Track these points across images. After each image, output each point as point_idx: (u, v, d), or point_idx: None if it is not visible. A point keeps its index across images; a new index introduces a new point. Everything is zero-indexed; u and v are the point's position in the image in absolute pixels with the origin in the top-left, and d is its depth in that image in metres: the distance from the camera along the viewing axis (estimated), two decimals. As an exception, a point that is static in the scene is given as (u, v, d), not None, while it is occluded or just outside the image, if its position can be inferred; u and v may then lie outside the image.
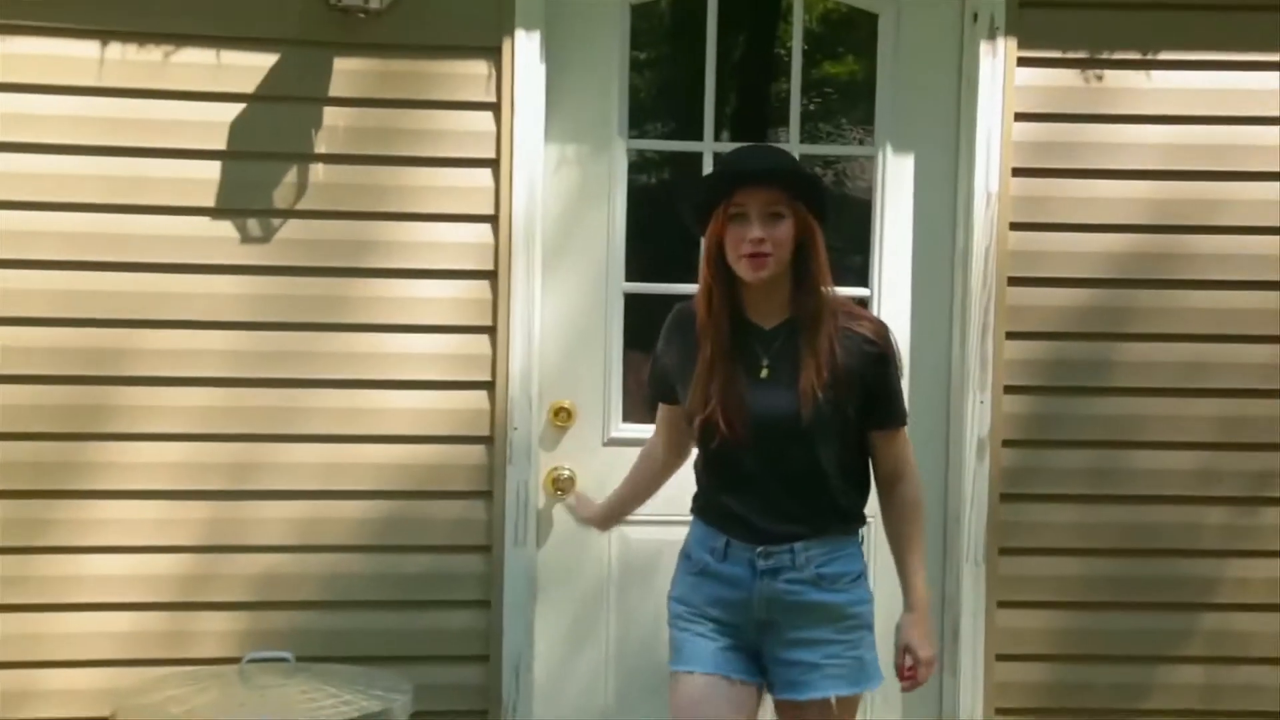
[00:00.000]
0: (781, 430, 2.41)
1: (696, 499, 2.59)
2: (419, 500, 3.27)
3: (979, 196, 3.33)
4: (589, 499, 2.93)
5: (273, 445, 3.24)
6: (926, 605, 2.53)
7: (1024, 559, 3.37)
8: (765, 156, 2.52)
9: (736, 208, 2.40)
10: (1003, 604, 3.37)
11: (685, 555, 2.58)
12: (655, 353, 2.63)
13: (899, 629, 2.52)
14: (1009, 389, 3.36)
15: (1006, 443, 3.36)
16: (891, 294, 3.45)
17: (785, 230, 2.40)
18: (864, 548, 2.56)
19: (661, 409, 2.68)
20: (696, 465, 2.58)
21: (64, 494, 3.18)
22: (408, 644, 3.26)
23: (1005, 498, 3.36)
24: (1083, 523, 3.38)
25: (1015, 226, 3.34)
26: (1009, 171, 3.33)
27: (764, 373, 2.44)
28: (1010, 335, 3.35)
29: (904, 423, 2.55)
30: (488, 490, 3.28)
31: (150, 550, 3.21)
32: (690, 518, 2.61)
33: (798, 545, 2.45)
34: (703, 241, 2.46)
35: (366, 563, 3.27)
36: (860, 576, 2.51)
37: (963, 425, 3.36)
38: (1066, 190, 3.36)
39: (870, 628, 2.51)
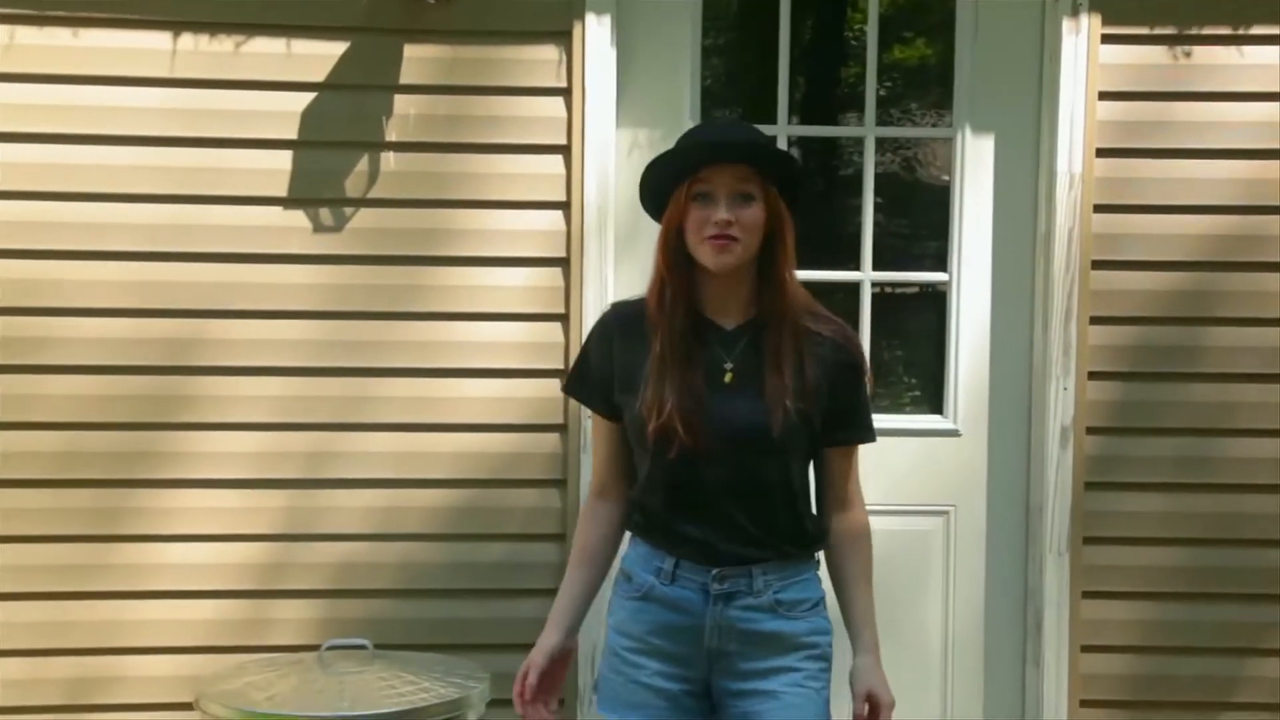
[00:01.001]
0: (750, 442, 2.14)
1: (636, 516, 2.26)
2: (493, 489, 3.26)
3: (1061, 178, 3.25)
4: (540, 652, 2.27)
5: (348, 434, 3.25)
6: (878, 641, 2.24)
7: (1109, 549, 3.30)
8: (736, 129, 2.24)
9: (701, 185, 2.11)
10: (1087, 594, 3.30)
11: (625, 577, 2.26)
12: (583, 357, 2.31)
13: (855, 675, 2.21)
14: (1093, 375, 3.28)
15: (1091, 430, 3.29)
16: (971, 279, 3.40)
17: (755, 214, 2.12)
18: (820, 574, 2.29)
19: (602, 428, 2.30)
20: (642, 480, 2.24)
21: (143, 483, 3.21)
22: (483, 632, 3.25)
23: (1090, 486, 3.29)
24: (1170, 512, 3.30)
25: (1099, 209, 3.26)
26: (1093, 152, 3.25)
27: (728, 377, 2.16)
28: (1094, 320, 3.28)
29: (871, 438, 2.27)
30: (561, 479, 3.26)
31: (228, 539, 3.23)
32: None
33: (755, 569, 2.18)
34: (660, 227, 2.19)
35: (442, 551, 3.26)
36: (819, 604, 2.24)
37: (1045, 413, 3.29)
38: (1153, 171, 3.28)
39: (829, 663, 2.23)
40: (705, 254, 2.13)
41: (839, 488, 2.27)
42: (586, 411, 3.15)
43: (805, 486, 2.24)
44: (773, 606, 2.18)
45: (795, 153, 3.59)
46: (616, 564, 2.34)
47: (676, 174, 2.14)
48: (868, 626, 2.23)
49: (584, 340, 2.31)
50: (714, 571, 2.18)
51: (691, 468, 2.14)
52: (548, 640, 2.28)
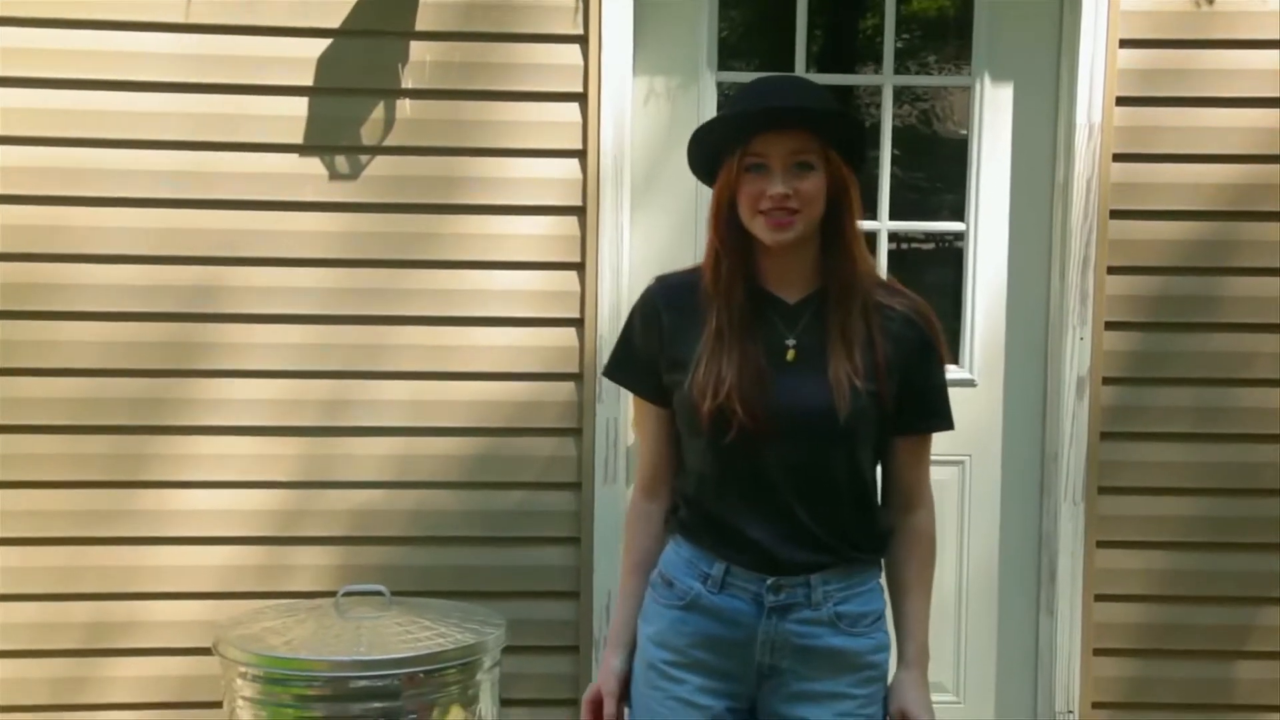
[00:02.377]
0: (815, 426, 1.95)
1: (682, 512, 2.07)
2: (510, 437, 3.26)
3: (1080, 127, 3.23)
4: (611, 677, 2.10)
5: (364, 382, 3.25)
6: (928, 656, 2.06)
7: (1124, 498, 3.30)
8: (791, 91, 1.98)
9: (755, 157, 1.94)
10: (1101, 544, 3.30)
11: (665, 582, 2.06)
12: (626, 337, 2.11)
13: (894, 689, 2.04)
14: (1110, 325, 3.27)
15: (1107, 380, 3.28)
16: (988, 228, 3.38)
17: (815, 184, 1.94)
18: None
19: (648, 417, 2.10)
20: (688, 470, 2.06)
21: (160, 429, 3.22)
22: (499, 579, 3.26)
23: (1105, 436, 3.28)
24: (1185, 461, 3.30)
25: (1118, 158, 3.24)
26: (1112, 101, 3.22)
27: (790, 354, 1.98)
28: (1112, 270, 3.26)
29: (948, 425, 2.07)
30: (577, 427, 3.26)
31: (246, 485, 3.24)
32: None
33: (814, 578, 1.99)
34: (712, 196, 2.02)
35: (458, 499, 3.27)
36: (880, 618, 2.05)
37: (1061, 362, 3.28)
38: (1173, 119, 3.25)
39: (886, 681, 2.06)
40: (761, 229, 1.96)
41: (907, 482, 2.07)
42: (601, 360, 3.16)
43: (874, 480, 2.05)
44: (833, 620, 2.00)
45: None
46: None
47: (726, 143, 1.97)
48: (916, 638, 2.05)
49: (627, 319, 2.13)
50: (769, 580, 1.99)
51: (749, 455, 1.96)
52: (615, 663, 2.09)
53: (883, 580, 2.08)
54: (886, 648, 2.06)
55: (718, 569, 2.01)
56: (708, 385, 1.95)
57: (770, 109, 1.95)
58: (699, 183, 3.25)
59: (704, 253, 2.04)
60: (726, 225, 1.99)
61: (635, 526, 2.14)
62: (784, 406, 1.95)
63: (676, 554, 2.07)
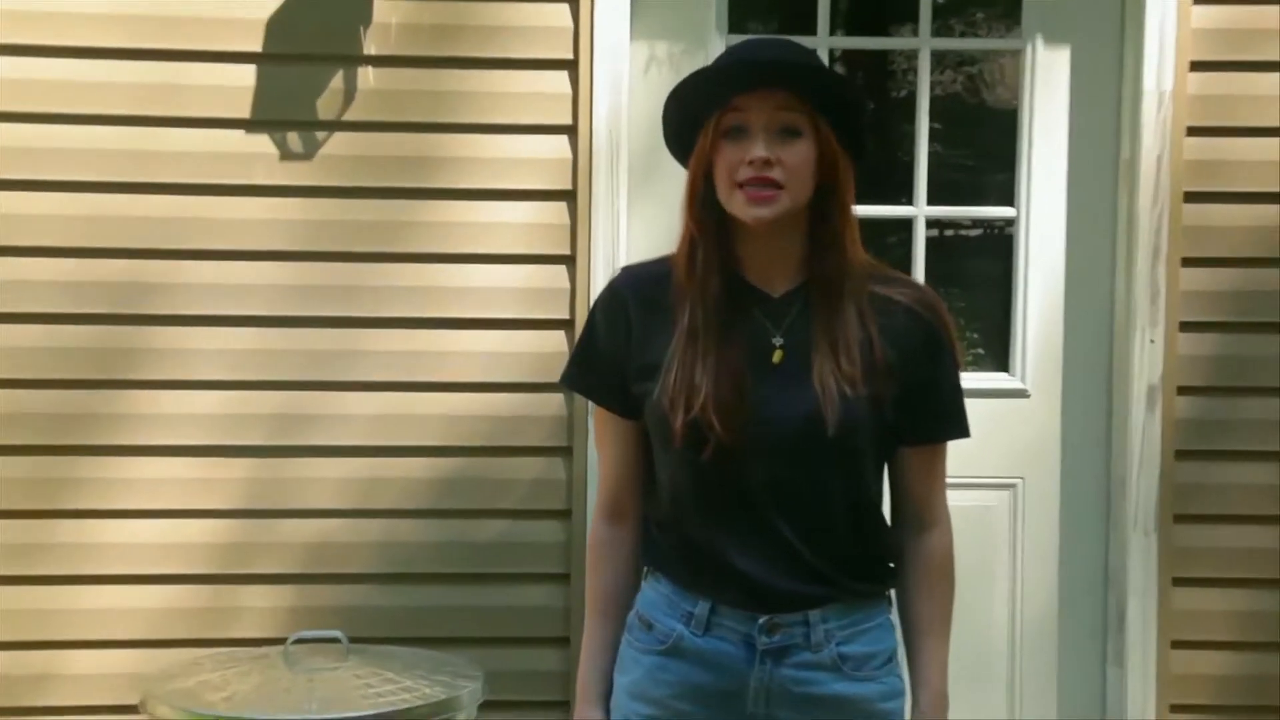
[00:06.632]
0: (802, 441, 1.82)
1: (658, 544, 1.95)
2: (490, 457, 3.10)
3: (1149, 96, 3.06)
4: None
5: (322, 394, 3.09)
6: (946, 706, 1.94)
7: (1204, 528, 3.12)
8: (776, 48, 1.91)
9: (735, 117, 1.80)
10: (1178, 581, 3.11)
11: (644, 624, 1.93)
12: (588, 337, 1.98)
13: None
14: (1185, 326, 3.10)
15: (1182, 390, 3.10)
16: (1042, 215, 3.21)
17: (802, 153, 1.80)
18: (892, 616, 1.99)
19: (612, 430, 1.96)
20: (661, 490, 1.93)
21: (85, 450, 3.06)
22: (477, 623, 3.12)
23: (1181, 455, 3.10)
24: (1275, 485, 3.10)
25: (1193, 131, 3.06)
26: (1186, 66, 3.05)
27: (777, 355, 1.85)
28: (1186, 262, 3.08)
29: (963, 432, 1.94)
30: (567, 446, 3.08)
31: (184, 515, 3.09)
32: None
33: (813, 614, 1.86)
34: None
35: (430, 529, 3.12)
36: (892, 659, 1.93)
37: (1129, 370, 3.10)
38: (1256, 86, 3.06)
39: None
40: (738, 204, 1.82)
41: (917, 499, 1.94)
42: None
43: (879, 499, 1.93)
44: (836, 663, 1.86)
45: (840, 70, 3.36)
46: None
47: (703, 104, 1.82)
48: (931, 684, 1.92)
49: (588, 316, 1.99)
50: (762, 620, 1.85)
51: (730, 472, 1.83)
52: (591, 718, 1.97)
53: (894, 615, 1.96)
54: (900, 694, 1.94)
55: (702, 607, 1.88)
56: (680, 396, 1.82)
57: (750, 61, 1.84)
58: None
59: (678, 239, 1.90)
60: (703, 205, 1.85)
61: (599, 559, 2.00)
62: (766, 417, 1.83)
63: (655, 591, 1.94)
